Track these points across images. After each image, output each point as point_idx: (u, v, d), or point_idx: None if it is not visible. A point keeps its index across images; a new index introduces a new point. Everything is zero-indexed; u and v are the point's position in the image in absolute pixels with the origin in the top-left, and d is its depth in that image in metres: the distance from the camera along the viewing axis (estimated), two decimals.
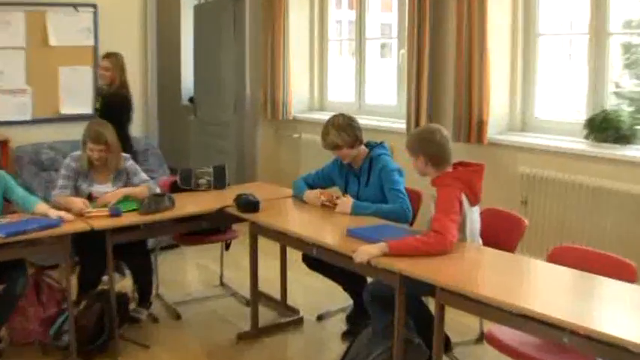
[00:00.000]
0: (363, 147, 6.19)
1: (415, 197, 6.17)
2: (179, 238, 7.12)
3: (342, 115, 6.23)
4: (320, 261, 5.52)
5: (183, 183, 7.03)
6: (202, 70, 11.53)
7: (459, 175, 5.16)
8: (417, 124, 8.00)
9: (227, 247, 7.43)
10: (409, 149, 5.26)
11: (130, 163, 6.52)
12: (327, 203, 6.14)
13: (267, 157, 10.65)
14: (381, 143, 6.24)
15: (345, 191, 6.22)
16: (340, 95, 10.15)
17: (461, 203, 5.06)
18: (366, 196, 6.02)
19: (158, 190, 6.47)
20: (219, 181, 7.06)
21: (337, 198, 6.12)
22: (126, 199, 6.26)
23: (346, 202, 5.95)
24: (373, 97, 9.56)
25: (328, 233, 5.47)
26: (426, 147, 5.19)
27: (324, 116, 7.51)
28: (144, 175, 6.52)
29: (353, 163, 6.21)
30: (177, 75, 13.14)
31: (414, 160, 5.25)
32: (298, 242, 5.56)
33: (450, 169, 5.22)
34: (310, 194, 6.29)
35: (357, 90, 9.71)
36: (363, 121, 6.72)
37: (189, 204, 6.39)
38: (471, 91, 7.47)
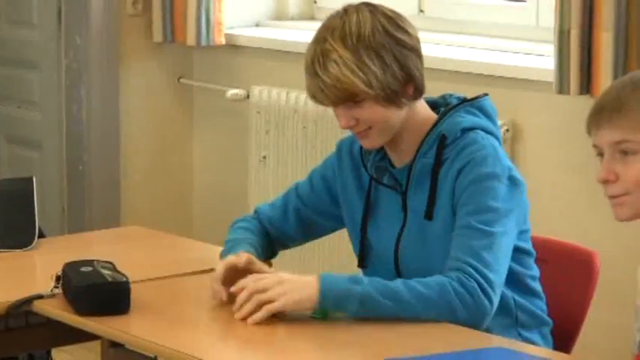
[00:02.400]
0: (423, 106, 2.76)
1: (583, 265, 2.80)
2: None
3: (369, 4, 2.73)
4: None
5: None
6: None
7: None
8: (589, 59, 3.63)
9: None
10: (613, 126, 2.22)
11: None
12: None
13: (154, 157, 4.98)
14: (476, 100, 2.78)
15: (361, 231, 2.74)
16: None
17: None
18: (430, 251, 2.63)
19: None
20: (15, 228, 3.51)
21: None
22: None
23: (283, 277, 2.53)
24: None
25: None
26: None
27: (310, 31, 3.00)
28: None
29: (392, 153, 2.76)
30: None
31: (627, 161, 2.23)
32: None
33: None
34: (218, 271, 2.65)
35: None
36: (428, 49, 3.27)
37: None
38: None
